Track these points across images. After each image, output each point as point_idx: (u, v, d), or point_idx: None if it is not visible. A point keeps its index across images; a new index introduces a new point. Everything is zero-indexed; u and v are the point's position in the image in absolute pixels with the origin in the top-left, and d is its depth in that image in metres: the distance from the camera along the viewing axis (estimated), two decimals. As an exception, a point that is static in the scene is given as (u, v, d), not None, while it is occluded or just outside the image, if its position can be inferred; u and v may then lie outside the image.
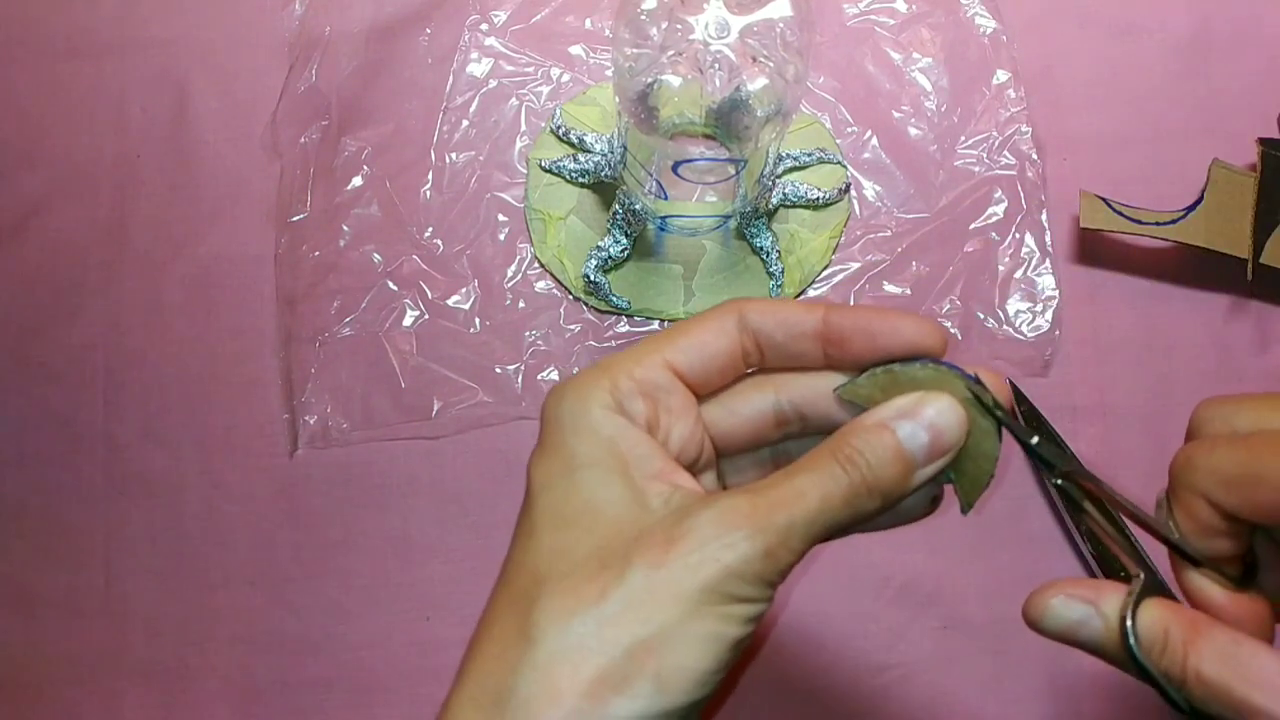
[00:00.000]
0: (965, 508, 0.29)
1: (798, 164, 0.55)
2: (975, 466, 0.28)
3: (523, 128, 0.56)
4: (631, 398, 0.27)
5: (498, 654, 0.25)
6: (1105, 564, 0.51)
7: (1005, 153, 0.56)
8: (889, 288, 0.54)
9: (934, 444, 0.26)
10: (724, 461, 0.30)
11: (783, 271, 0.53)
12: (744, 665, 0.27)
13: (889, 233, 0.55)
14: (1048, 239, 0.54)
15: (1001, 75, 0.56)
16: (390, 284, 0.54)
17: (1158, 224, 0.52)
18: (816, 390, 0.28)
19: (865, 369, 0.28)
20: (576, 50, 0.57)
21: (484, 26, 0.57)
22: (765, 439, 0.29)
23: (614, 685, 0.23)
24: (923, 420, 0.26)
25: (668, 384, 0.28)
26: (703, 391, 0.29)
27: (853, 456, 0.26)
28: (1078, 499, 0.30)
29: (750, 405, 0.29)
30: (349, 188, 0.55)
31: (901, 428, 0.26)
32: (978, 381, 0.28)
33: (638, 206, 0.51)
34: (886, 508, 0.27)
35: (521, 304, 0.54)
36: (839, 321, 0.28)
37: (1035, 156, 0.55)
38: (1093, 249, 0.55)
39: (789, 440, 0.30)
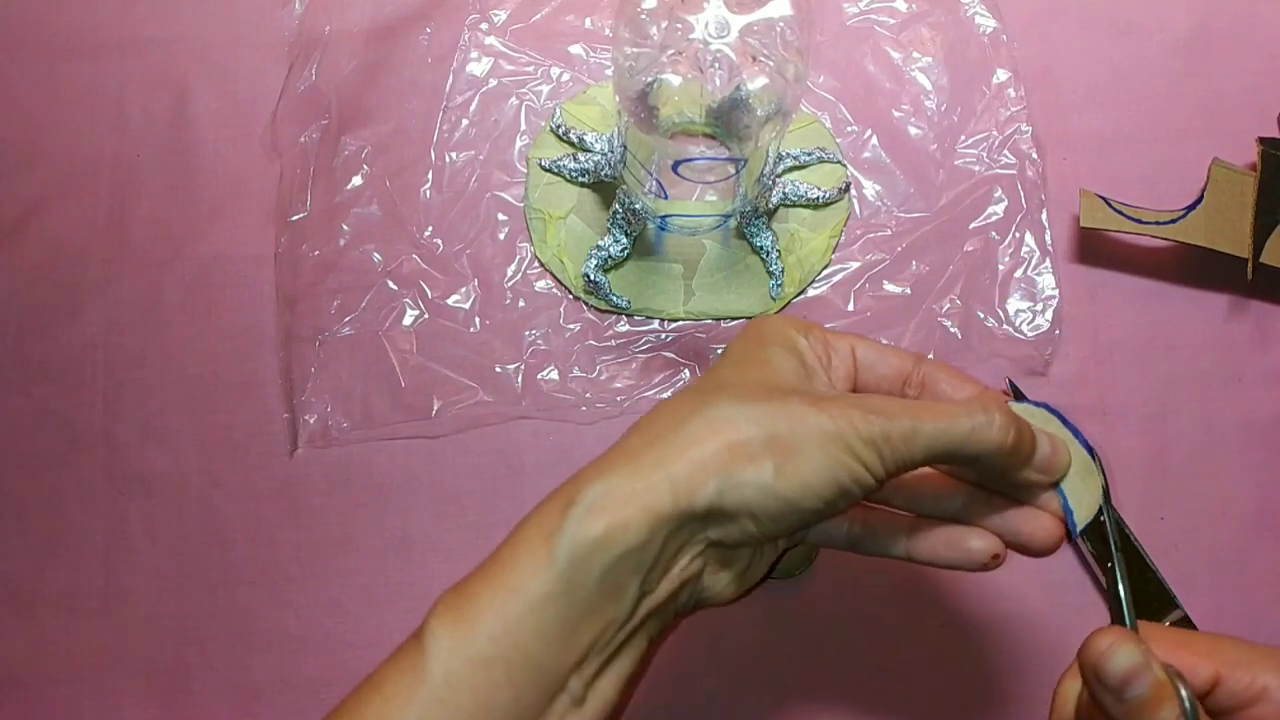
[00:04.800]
0: (1075, 530, 0.35)
1: (798, 163, 0.55)
2: (1086, 490, 0.35)
3: (523, 127, 0.56)
4: (818, 344, 0.35)
5: (672, 410, 0.32)
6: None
7: (1005, 152, 0.56)
8: (889, 287, 0.54)
9: (1050, 458, 0.33)
10: None
11: (783, 271, 0.53)
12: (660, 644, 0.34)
13: (889, 232, 0.55)
14: (1048, 238, 0.54)
15: (1001, 74, 0.56)
16: (390, 283, 0.54)
17: (1158, 223, 0.52)
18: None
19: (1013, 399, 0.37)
20: (576, 49, 0.57)
21: (484, 26, 0.57)
22: None
23: (749, 455, 0.30)
24: (1050, 440, 0.33)
25: (845, 352, 0.35)
26: (864, 382, 0.36)
27: (988, 406, 0.32)
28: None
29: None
30: (349, 187, 0.55)
31: (1039, 436, 0.33)
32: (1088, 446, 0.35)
33: (638, 206, 0.51)
34: (982, 461, 0.32)
35: (521, 303, 0.54)
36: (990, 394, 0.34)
37: (1035, 156, 0.55)
38: (1093, 248, 0.55)
39: None
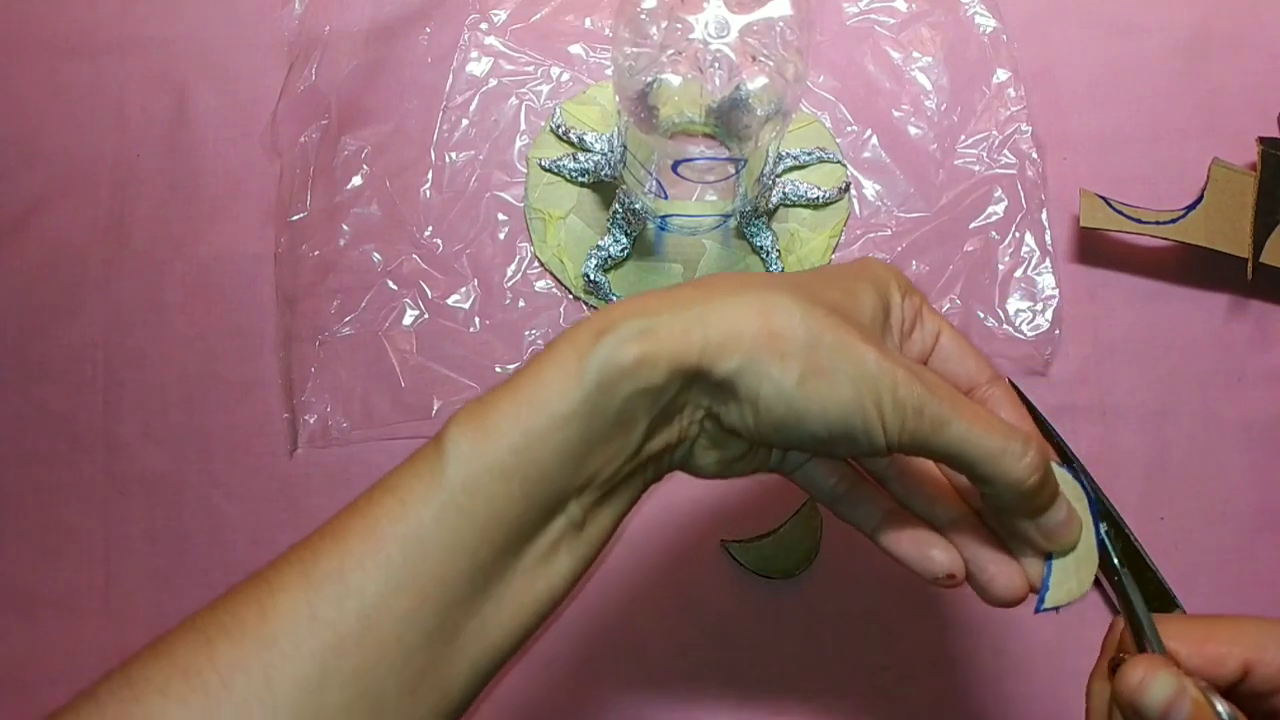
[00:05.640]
0: (1040, 605, 0.33)
1: (797, 163, 0.55)
2: (1075, 577, 0.33)
3: (522, 127, 0.56)
4: (910, 310, 0.34)
5: (736, 282, 0.31)
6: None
7: (1005, 152, 0.56)
8: (889, 287, 0.54)
9: (1060, 525, 0.32)
10: None
11: (783, 270, 0.53)
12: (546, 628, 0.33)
13: (889, 232, 0.55)
14: (1048, 238, 0.54)
15: (1001, 74, 0.56)
16: (390, 283, 0.54)
17: (1158, 223, 0.52)
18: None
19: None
20: (576, 49, 0.57)
21: (484, 25, 0.57)
22: None
23: (781, 351, 0.29)
24: (1069, 511, 0.32)
25: (931, 331, 0.34)
26: (933, 364, 0.35)
27: (1029, 441, 0.31)
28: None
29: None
30: (349, 187, 0.55)
31: (1061, 500, 0.32)
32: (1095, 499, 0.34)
33: (637, 205, 0.51)
34: (994, 488, 0.31)
35: (521, 303, 0.54)
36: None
37: (1035, 155, 0.55)
38: (1093, 248, 0.55)
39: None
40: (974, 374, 0.35)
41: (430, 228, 0.55)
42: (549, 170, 0.55)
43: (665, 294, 0.31)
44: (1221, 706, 0.29)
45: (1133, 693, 0.30)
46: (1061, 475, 0.33)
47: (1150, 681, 0.29)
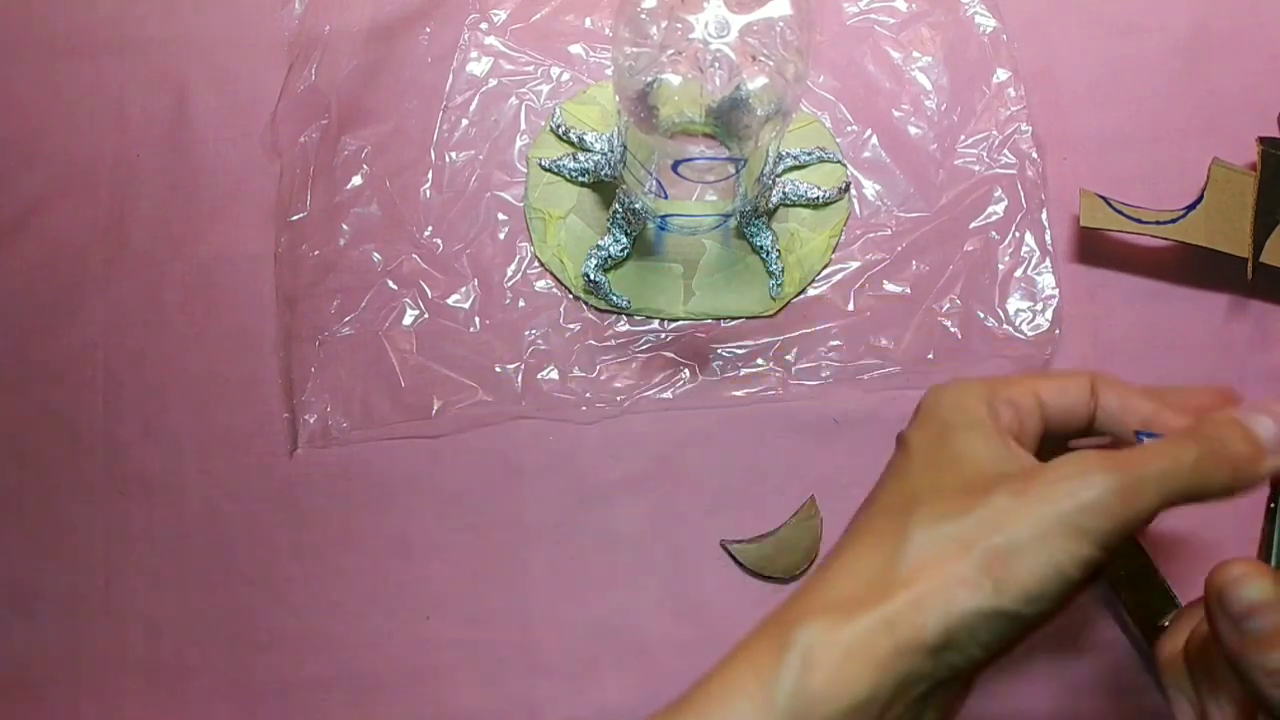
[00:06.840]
0: None
1: (798, 163, 0.55)
2: None
3: (522, 127, 0.56)
4: (1003, 406, 0.32)
5: (874, 545, 0.30)
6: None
7: (1005, 152, 0.56)
8: (889, 286, 0.54)
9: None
10: None
11: (783, 270, 0.53)
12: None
13: (889, 231, 0.55)
14: (1048, 238, 0.54)
15: (1001, 74, 0.56)
16: (390, 283, 0.54)
17: (1158, 223, 0.52)
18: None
19: None
20: (576, 49, 0.57)
21: (484, 25, 0.57)
22: None
23: (962, 579, 0.28)
24: (1273, 414, 0.31)
25: (1031, 407, 0.32)
26: (1051, 428, 0.33)
27: (1204, 433, 0.30)
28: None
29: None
30: (349, 187, 0.55)
31: (1251, 419, 0.30)
32: None
33: (637, 205, 0.51)
34: (1237, 484, 0.30)
35: (521, 303, 0.54)
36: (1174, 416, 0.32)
37: (1035, 155, 0.55)
38: (1093, 248, 0.55)
39: None
40: (1149, 414, 0.32)
41: (430, 228, 0.55)
42: (549, 170, 0.55)
43: (825, 586, 0.29)
44: None
45: (1224, 584, 0.29)
46: None
47: (1246, 580, 0.29)
